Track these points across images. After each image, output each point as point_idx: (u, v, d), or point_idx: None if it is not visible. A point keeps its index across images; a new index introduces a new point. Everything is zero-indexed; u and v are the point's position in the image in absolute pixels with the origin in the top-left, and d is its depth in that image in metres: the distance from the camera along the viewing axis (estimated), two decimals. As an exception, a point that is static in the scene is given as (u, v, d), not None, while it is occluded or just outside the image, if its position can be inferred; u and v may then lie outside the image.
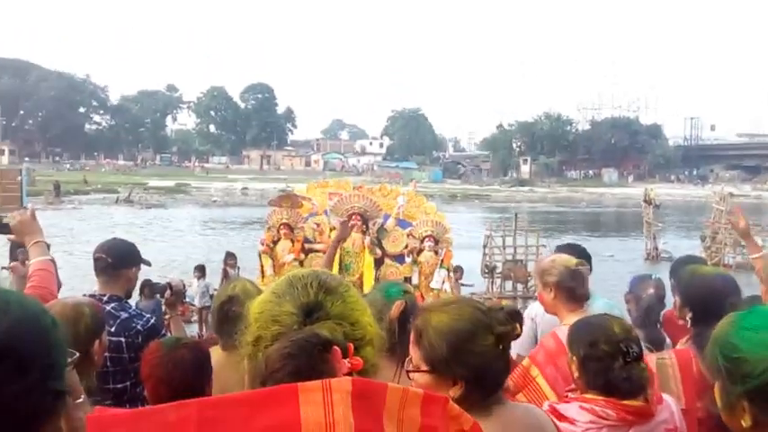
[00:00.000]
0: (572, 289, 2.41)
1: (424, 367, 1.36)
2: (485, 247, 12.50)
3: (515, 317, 1.38)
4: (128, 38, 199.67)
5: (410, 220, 6.25)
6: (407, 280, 6.19)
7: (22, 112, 79.25)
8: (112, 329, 2.38)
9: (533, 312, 2.90)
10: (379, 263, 6.09)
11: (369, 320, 1.09)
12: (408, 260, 6.19)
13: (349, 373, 0.95)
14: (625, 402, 1.73)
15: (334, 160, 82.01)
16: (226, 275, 8.81)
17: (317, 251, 6.07)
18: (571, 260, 2.51)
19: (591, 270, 3.15)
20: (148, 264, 2.83)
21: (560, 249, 3.34)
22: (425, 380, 1.35)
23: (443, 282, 6.09)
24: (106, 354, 2.27)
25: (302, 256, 6.13)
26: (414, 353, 1.40)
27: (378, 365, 1.11)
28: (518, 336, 1.40)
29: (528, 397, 2.22)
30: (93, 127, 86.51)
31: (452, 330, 1.34)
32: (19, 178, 30.46)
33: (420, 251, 6.13)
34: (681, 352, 2.18)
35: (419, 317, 1.42)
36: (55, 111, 76.12)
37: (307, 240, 6.19)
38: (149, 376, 1.83)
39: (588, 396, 1.79)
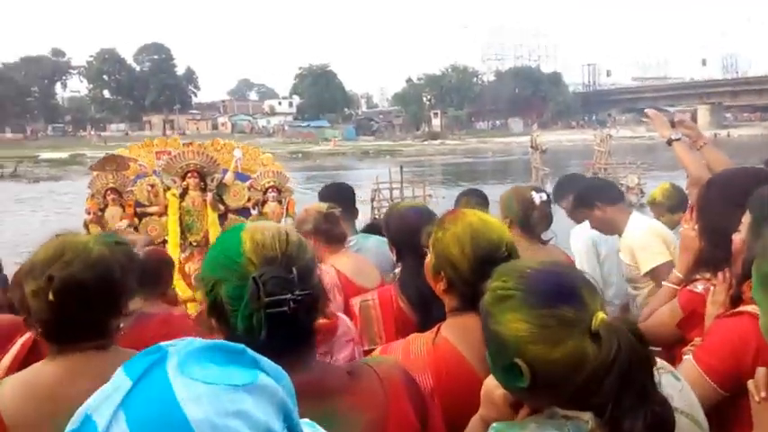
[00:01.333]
0: (328, 231, 2.47)
1: None
2: (372, 200, 12.72)
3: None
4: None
5: (248, 173, 6.09)
6: None
7: None
8: None
9: None
10: (222, 219, 5.90)
11: None
12: (255, 212, 6.05)
13: None
14: None
15: (242, 122, 79.51)
16: None
17: (150, 214, 5.85)
18: (322, 206, 2.56)
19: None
20: None
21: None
22: None
23: None
24: None
25: (136, 220, 5.84)
26: None
27: None
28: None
29: None
30: (-28, 98, 79.15)
31: None
32: None
33: (264, 202, 6.00)
34: (383, 291, 2.16)
35: None
36: None
37: (138, 204, 5.89)
38: None
39: None
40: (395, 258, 2.18)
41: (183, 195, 5.73)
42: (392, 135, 75.15)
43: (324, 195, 3.20)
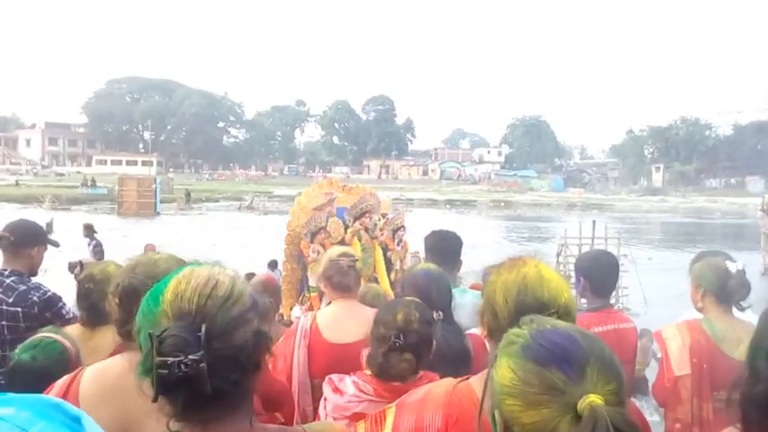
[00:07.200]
0: (330, 277, 2.54)
1: None
2: (558, 255, 12.15)
3: None
4: (261, 57, 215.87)
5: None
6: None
7: (168, 126, 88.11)
8: (10, 300, 2.54)
9: None
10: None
11: None
12: (399, 248, 6.56)
13: None
14: (384, 380, 1.83)
15: (450, 169, 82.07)
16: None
17: None
18: (334, 252, 2.64)
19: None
20: (56, 244, 2.98)
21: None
22: None
23: None
24: (3, 322, 2.48)
25: None
26: None
27: None
28: None
29: None
30: (230, 140, 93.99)
31: None
32: (153, 186, 34.42)
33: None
34: None
35: None
36: (197, 126, 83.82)
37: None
38: None
39: (364, 372, 1.89)
40: None
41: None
42: (605, 188, 71.15)
43: (428, 242, 3.13)
